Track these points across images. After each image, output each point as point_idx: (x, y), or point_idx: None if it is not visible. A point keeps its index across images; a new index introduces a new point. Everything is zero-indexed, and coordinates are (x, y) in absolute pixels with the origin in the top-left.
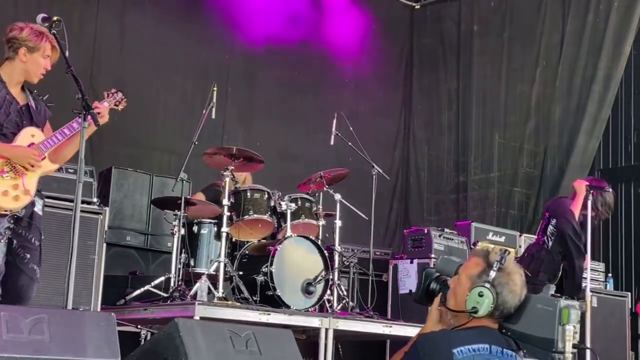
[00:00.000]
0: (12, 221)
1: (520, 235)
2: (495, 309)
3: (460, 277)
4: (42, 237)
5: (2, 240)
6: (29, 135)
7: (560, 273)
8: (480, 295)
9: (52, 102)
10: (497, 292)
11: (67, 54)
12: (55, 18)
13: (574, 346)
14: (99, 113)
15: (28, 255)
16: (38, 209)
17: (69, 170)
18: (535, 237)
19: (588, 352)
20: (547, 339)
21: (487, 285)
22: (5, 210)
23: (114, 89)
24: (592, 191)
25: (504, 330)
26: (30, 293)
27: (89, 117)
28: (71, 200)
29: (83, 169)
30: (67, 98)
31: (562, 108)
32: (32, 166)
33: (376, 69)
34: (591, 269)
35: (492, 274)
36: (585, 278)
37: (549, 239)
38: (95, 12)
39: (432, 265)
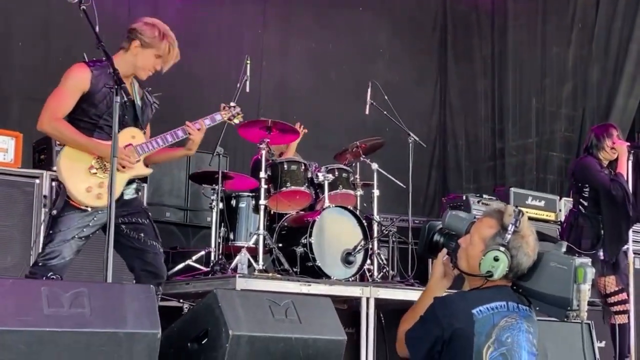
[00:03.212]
0: (95, 219)
1: (560, 199)
2: (509, 270)
3: (473, 238)
4: (150, 214)
5: (76, 237)
6: (129, 135)
7: (603, 236)
8: (496, 259)
9: (157, 101)
10: (512, 255)
11: (97, 28)
12: None
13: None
14: (189, 134)
15: (142, 234)
16: (128, 195)
17: None
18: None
19: (632, 314)
20: (562, 297)
21: (502, 248)
22: (86, 207)
23: (233, 103)
24: (632, 151)
25: (514, 288)
26: (161, 268)
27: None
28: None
29: (117, 144)
30: None
31: (599, 69)
32: (123, 167)
33: (410, 38)
34: (633, 230)
35: (508, 236)
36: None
37: (584, 203)
38: None
39: None
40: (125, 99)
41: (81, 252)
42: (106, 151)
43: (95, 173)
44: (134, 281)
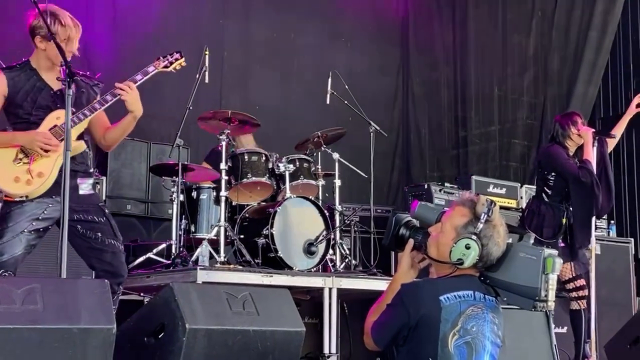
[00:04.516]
0: (45, 213)
1: (521, 187)
2: (479, 260)
3: (445, 226)
4: (107, 211)
5: (26, 231)
6: (54, 118)
7: (564, 224)
8: (467, 247)
9: (101, 81)
10: (483, 244)
11: (49, 21)
12: None
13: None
14: (120, 95)
15: (99, 233)
16: (84, 190)
17: None
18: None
19: (592, 299)
20: (531, 287)
21: (474, 237)
22: (21, 196)
23: (175, 52)
24: (597, 137)
25: (482, 278)
26: (121, 266)
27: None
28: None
29: (71, 137)
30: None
31: (559, 57)
32: (46, 151)
33: (372, 27)
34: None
35: (480, 225)
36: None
37: (547, 192)
38: None
39: None
40: (53, 89)
41: (38, 247)
42: (24, 139)
43: (20, 162)
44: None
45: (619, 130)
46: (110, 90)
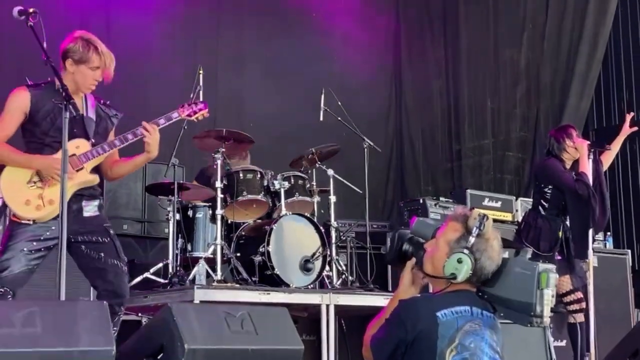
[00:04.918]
0: (48, 234)
1: (516, 200)
2: (473, 274)
3: (438, 241)
4: (112, 232)
5: (26, 250)
6: (73, 147)
7: (561, 238)
8: (459, 261)
9: (121, 112)
10: (476, 258)
11: (44, 45)
12: (31, 10)
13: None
14: (143, 136)
15: (102, 254)
16: (89, 212)
17: None
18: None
19: (591, 312)
20: (526, 302)
21: (466, 251)
22: (28, 220)
23: (199, 101)
24: (592, 150)
25: (480, 294)
26: (123, 287)
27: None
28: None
29: (67, 159)
30: None
31: (551, 70)
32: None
33: (364, 42)
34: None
35: (472, 239)
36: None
37: (544, 205)
38: (79, 2)
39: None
40: (75, 114)
41: (40, 269)
42: (41, 163)
43: (34, 186)
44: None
45: (614, 149)
46: (133, 130)
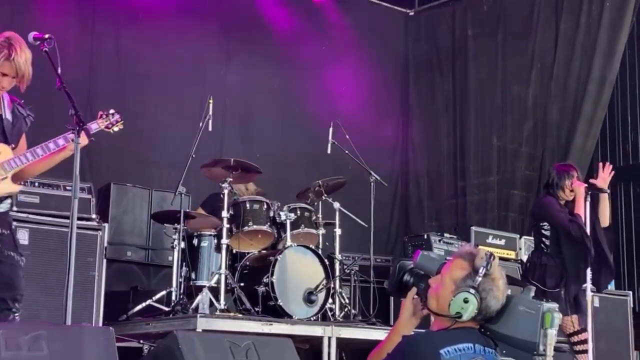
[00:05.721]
0: None
1: (520, 238)
2: (478, 313)
3: (444, 278)
4: (13, 226)
5: None
6: None
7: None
8: (466, 301)
9: (32, 114)
10: (482, 297)
11: (59, 70)
12: (47, 35)
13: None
14: (65, 147)
15: None
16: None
17: (67, 187)
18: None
19: (590, 352)
20: (529, 341)
21: (472, 290)
22: None
23: (112, 109)
24: (589, 192)
25: (482, 330)
26: (17, 280)
27: (83, 132)
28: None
29: (78, 185)
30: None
31: (558, 109)
32: None
33: (373, 77)
34: (591, 270)
35: (478, 279)
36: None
37: (546, 243)
38: (91, 29)
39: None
40: None
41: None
42: None
43: None
44: None
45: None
46: (54, 139)
